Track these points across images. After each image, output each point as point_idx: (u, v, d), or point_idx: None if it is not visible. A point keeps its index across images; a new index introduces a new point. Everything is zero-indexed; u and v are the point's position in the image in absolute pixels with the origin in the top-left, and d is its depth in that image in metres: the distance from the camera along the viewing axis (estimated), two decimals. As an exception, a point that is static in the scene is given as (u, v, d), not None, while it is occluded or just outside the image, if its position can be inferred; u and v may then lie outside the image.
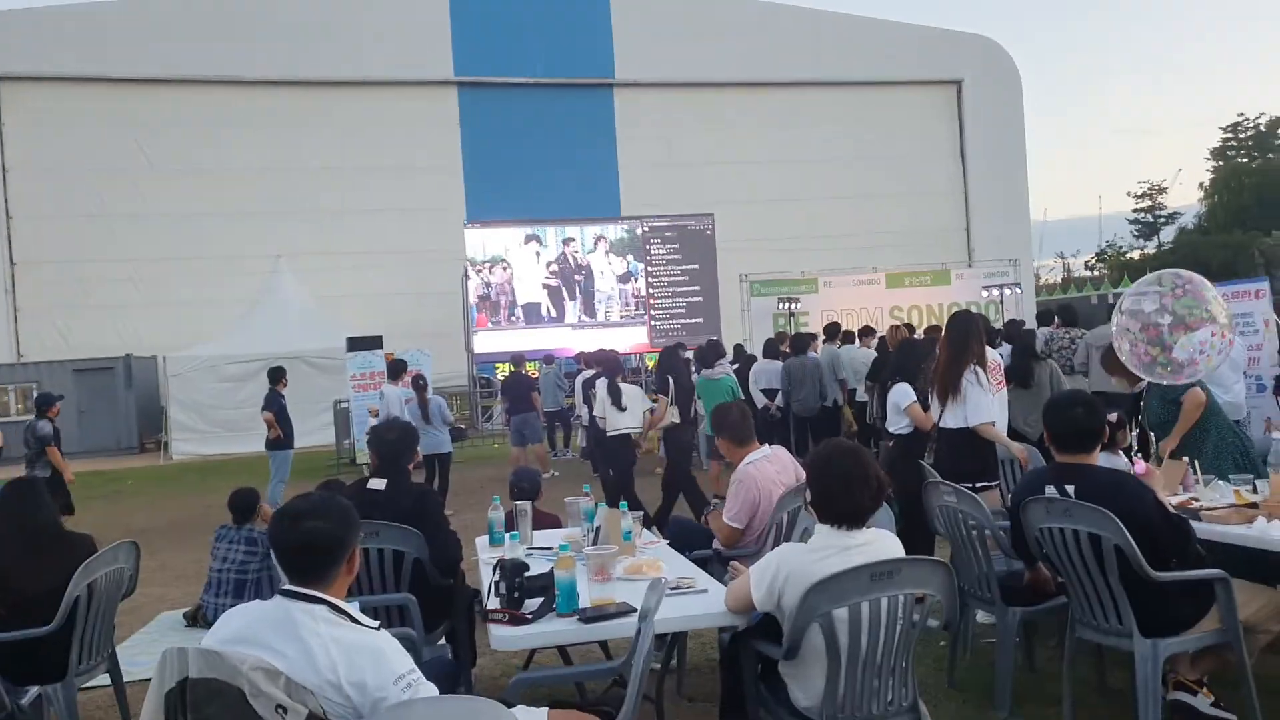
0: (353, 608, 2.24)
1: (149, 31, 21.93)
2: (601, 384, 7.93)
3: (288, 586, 2.22)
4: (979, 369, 5.20)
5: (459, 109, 24.23)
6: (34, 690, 3.01)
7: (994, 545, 4.27)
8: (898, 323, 12.95)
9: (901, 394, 6.62)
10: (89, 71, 21.65)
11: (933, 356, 5.89)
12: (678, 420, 8.11)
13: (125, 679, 4.23)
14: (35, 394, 8.93)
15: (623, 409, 7.75)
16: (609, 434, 7.76)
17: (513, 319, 20.25)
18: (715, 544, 4.38)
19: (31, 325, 21.53)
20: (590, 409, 8.81)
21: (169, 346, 19.05)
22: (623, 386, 7.89)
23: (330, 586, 2.23)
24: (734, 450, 4.42)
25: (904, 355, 6.84)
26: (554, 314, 20.65)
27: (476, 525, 7.02)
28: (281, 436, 10.29)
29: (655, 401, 8.27)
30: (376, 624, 2.26)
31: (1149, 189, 44.95)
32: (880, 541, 2.92)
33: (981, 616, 5.08)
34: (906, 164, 26.36)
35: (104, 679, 4.27)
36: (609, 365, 8.25)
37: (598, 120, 25.01)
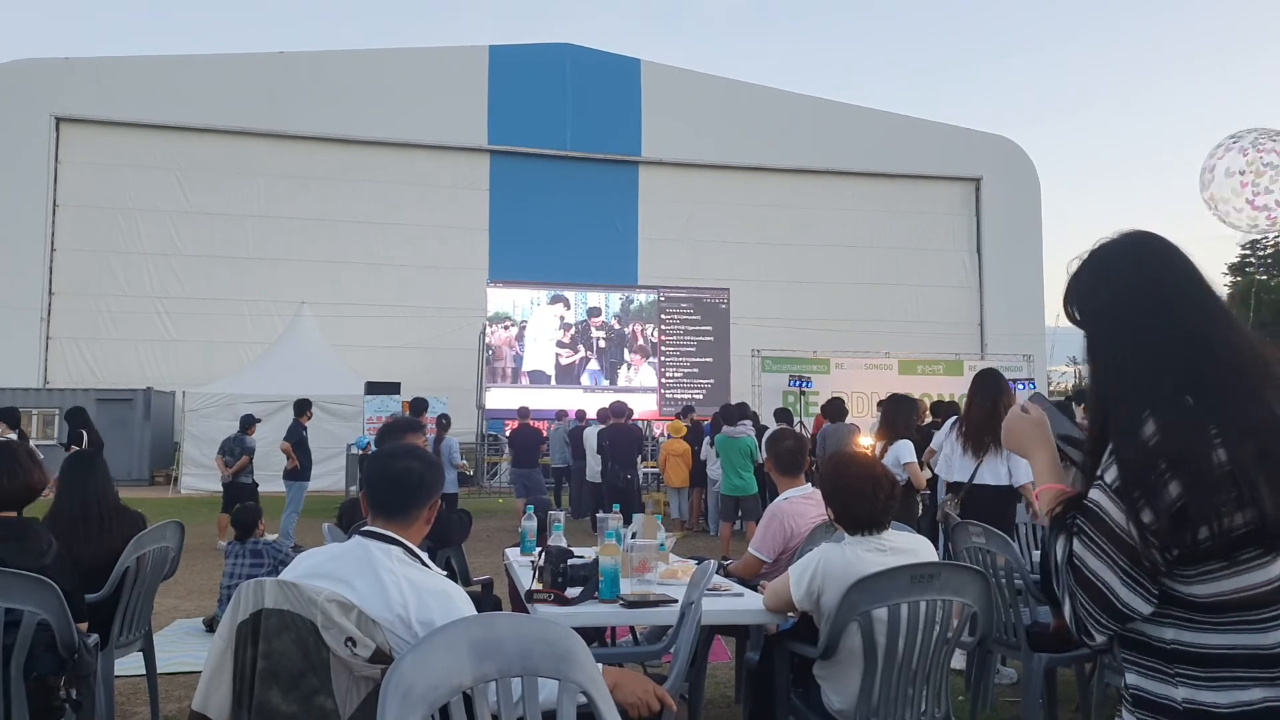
0: (423, 555, 2.34)
1: (201, 84, 22.78)
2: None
3: (367, 527, 2.32)
4: None
5: (490, 174, 24.86)
6: (94, 636, 3.09)
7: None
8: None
9: (904, 449, 6.81)
10: (142, 118, 22.45)
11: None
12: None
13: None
14: (241, 414, 11.06)
15: None
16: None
17: (516, 384, 20.36)
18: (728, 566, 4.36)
19: (60, 353, 21.93)
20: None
21: (189, 382, 19.26)
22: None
23: (408, 530, 2.33)
24: (780, 479, 4.39)
25: (894, 408, 7.08)
26: (564, 379, 20.74)
27: (483, 568, 7.07)
28: (298, 467, 10.36)
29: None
30: (445, 573, 2.36)
31: (1166, 300, 44.98)
32: (916, 545, 3.02)
33: (1001, 677, 5.08)
34: (923, 255, 26.74)
35: (131, 667, 4.31)
36: None
37: (622, 194, 25.59)
